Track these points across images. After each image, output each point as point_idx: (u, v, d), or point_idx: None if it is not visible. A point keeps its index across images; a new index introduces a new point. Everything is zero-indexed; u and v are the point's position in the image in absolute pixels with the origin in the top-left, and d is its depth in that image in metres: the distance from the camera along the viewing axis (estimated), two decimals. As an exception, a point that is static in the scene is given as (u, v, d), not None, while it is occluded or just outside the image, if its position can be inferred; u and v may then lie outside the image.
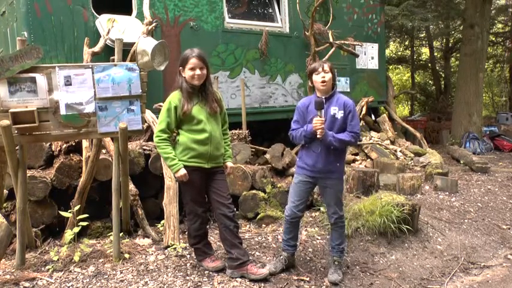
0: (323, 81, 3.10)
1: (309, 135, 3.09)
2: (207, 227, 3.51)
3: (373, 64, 8.36)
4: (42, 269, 3.26)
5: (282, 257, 3.36)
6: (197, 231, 3.22)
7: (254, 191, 4.48)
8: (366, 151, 6.78)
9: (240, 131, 5.44)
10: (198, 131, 3.04)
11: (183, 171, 3.00)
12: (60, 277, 3.13)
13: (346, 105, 3.11)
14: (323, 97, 3.13)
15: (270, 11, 7.13)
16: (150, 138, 4.71)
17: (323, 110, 3.07)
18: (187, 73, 3.03)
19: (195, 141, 3.04)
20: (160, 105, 4.89)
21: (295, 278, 3.27)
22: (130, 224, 4.01)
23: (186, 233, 3.98)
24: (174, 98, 3.05)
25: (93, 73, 3.28)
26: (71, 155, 4.04)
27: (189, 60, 3.01)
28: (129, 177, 3.83)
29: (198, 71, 3.01)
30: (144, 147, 4.40)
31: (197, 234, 3.24)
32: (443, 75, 15.62)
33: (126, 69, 3.38)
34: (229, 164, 3.30)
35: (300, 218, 3.35)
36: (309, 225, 4.24)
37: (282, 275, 3.27)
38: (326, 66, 3.11)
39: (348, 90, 7.72)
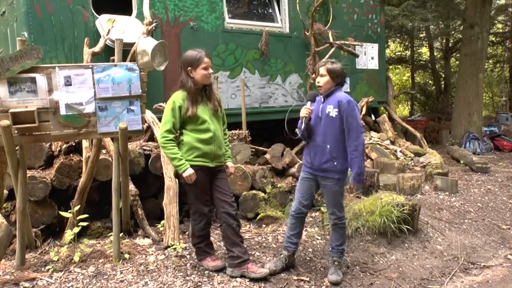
0: (318, 85, 3.22)
1: (300, 125, 3.23)
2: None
3: (373, 64, 8.36)
4: (42, 269, 3.26)
5: (282, 255, 3.36)
6: (201, 231, 3.23)
7: (254, 191, 4.48)
8: (365, 151, 6.78)
9: (240, 131, 5.44)
10: (202, 130, 3.05)
11: (190, 171, 3.00)
12: (60, 277, 3.13)
13: (340, 103, 3.10)
14: (322, 96, 3.22)
15: (270, 11, 7.13)
16: (150, 139, 4.72)
17: (313, 103, 3.25)
18: (200, 73, 3.03)
19: (199, 141, 3.05)
20: (161, 106, 4.91)
21: (295, 278, 3.27)
22: (131, 224, 4.01)
23: (187, 233, 3.99)
24: (178, 97, 3.05)
25: (93, 73, 3.28)
26: (71, 155, 4.04)
27: (203, 59, 3.03)
28: (129, 178, 3.83)
29: (210, 70, 3.07)
30: (144, 148, 4.40)
31: (201, 234, 3.24)
32: (443, 76, 15.62)
33: (126, 69, 3.38)
34: (230, 163, 3.32)
35: (305, 214, 3.38)
36: (309, 225, 4.24)
37: (282, 275, 3.27)
38: (322, 70, 3.17)
39: (348, 90, 7.72)
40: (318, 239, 3.97)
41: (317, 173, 3.22)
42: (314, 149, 3.20)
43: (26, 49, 3.12)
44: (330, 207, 3.26)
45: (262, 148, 5.66)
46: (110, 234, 3.78)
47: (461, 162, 7.61)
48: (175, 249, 3.56)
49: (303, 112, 3.18)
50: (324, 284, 3.24)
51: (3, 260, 3.32)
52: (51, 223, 3.87)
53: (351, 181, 3.14)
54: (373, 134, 7.74)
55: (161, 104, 4.95)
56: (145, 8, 5.22)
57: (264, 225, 4.31)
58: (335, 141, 3.11)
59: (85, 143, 3.93)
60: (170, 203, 3.85)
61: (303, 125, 3.18)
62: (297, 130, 3.26)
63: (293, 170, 4.86)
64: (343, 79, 3.23)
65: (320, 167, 3.18)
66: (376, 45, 8.39)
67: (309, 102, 3.22)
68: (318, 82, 3.19)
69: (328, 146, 3.11)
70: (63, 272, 3.20)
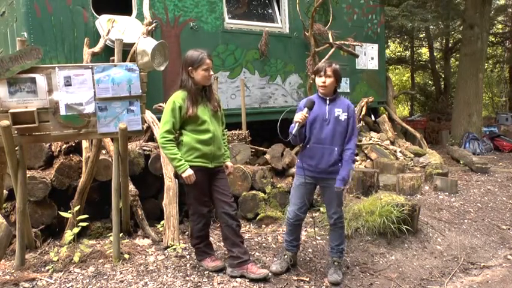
0: (323, 86, 3.14)
1: (292, 129, 3.10)
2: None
3: (373, 64, 8.36)
4: (42, 269, 3.26)
5: (286, 256, 3.37)
6: (200, 232, 3.23)
7: (254, 192, 4.48)
8: (365, 151, 6.79)
9: (240, 132, 5.44)
10: (202, 131, 3.05)
11: (190, 172, 2.99)
12: (60, 277, 3.13)
13: (349, 108, 3.17)
14: (327, 98, 3.17)
15: (270, 11, 7.13)
16: (150, 139, 4.72)
17: (310, 111, 3.11)
18: (201, 74, 3.02)
19: (199, 142, 3.05)
20: (160, 106, 4.91)
21: (295, 278, 3.27)
22: (130, 224, 4.01)
23: (187, 233, 3.99)
24: (178, 97, 3.04)
25: (93, 73, 3.28)
26: (71, 155, 4.04)
27: (205, 60, 3.02)
28: (129, 178, 3.83)
29: (211, 72, 3.05)
30: (144, 148, 4.40)
31: (200, 234, 3.24)
32: (443, 76, 15.62)
33: (126, 69, 3.38)
34: (229, 163, 3.33)
35: (302, 219, 3.37)
36: (309, 225, 4.24)
37: (282, 275, 3.27)
38: (329, 71, 3.10)
39: (348, 90, 7.72)
40: (317, 239, 3.97)
41: (321, 176, 3.19)
42: (321, 151, 3.14)
43: (25, 49, 3.12)
44: (333, 207, 3.24)
45: (262, 148, 5.66)
46: (109, 234, 3.78)
47: (461, 162, 7.61)
48: (175, 249, 3.56)
49: (298, 117, 3.05)
50: (324, 284, 3.24)
51: (3, 260, 3.32)
52: (51, 223, 3.86)
53: (337, 184, 3.10)
54: (373, 134, 7.74)
55: (161, 104, 4.95)
56: (145, 8, 5.22)
57: (263, 226, 4.31)
58: (342, 143, 3.15)
59: (85, 143, 3.93)
60: (170, 204, 3.85)
61: (295, 129, 3.07)
62: (292, 135, 3.17)
63: (293, 170, 4.86)
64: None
65: (327, 169, 3.15)
66: (376, 46, 8.39)
67: (305, 109, 3.09)
68: (323, 82, 3.12)
69: (336, 149, 3.12)
70: (63, 272, 3.20)
